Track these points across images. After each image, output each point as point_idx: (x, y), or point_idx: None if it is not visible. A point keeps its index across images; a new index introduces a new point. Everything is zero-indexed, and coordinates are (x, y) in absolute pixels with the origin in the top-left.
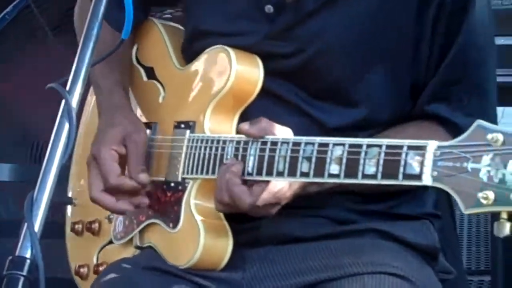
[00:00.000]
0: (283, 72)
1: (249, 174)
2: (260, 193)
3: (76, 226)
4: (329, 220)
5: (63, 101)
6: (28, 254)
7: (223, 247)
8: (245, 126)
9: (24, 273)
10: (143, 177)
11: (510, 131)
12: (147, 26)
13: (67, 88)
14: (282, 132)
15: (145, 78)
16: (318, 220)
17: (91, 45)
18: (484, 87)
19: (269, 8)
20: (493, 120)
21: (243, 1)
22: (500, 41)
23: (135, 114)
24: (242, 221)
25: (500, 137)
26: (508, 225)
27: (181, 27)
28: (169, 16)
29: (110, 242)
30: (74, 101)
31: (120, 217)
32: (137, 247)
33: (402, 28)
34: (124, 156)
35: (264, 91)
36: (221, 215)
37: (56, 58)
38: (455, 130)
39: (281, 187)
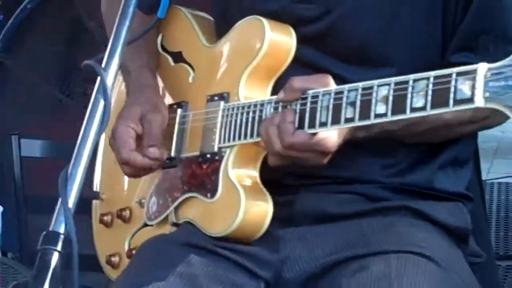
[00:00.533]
0: (311, 37)
1: None
2: (303, 138)
3: (105, 218)
4: (363, 197)
5: (99, 78)
6: (62, 230)
7: (264, 212)
8: (280, 95)
9: (58, 248)
10: (152, 150)
11: None
12: (173, 13)
13: (103, 65)
14: (321, 82)
15: (172, 63)
16: (352, 196)
17: (126, 23)
18: (509, 32)
19: None
20: None
21: None
22: None
23: (160, 96)
24: (275, 195)
25: None
26: None
27: (207, 15)
28: None
29: (143, 226)
30: (110, 79)
31: (154, 198)
32: (173, 224)
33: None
34: (141, 135)
35: (295, 58)
36: (259, 182)
37: None
38: None
39: (326, 135)
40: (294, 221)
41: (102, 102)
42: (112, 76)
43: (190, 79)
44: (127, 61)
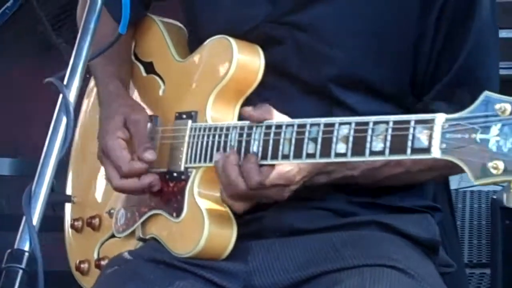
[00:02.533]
0: (280, 59)
1: None
2: (269, 173)
3: (76, 223)
4: (332, 213)
5: (61, 96)
6: (26, 247)
7: (227, 235)
8: (249, 108)
9: (23, 266)
10: (149, 154)
11: None
12: (146, 22)
13: (65, 82)
14: (282, 119)
15: (144, 74)
16: (321, 212)
17: (88, 39)
18: (486, 87)
19: None
20: None
21: None
22: (501, 34)
23: (132, 98)
24: (245, 213)
25: (508, 107)
26: None
27: (180, 24)
28: None
29: (111, 236)
30: (72, 96)
31: (122, 210)
32: (140, 239)
33: (403, 22)
34: (129, 139)
35: (262, 81)
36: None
37: None
38: None
39: (290, 168)
40: (263, 235)
41: (64, 119)
42: (74, 93)
43: (161, 92)
44: (97, 71)
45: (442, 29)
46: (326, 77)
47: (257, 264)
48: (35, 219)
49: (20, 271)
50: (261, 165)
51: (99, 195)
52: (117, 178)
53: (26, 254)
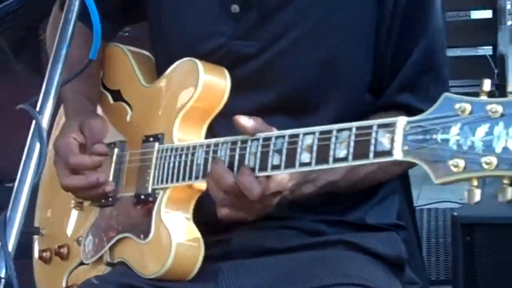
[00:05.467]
0: (246, 78)
1: None
2: (266, 183)
3: (44, 254)
4: (300, 232)
5: (34, 122)
6: (2, 274)
7: (195, 256)
8: (245, 119)
9: None
10: (99, 146)
11: (477, 100)
12: (113, 51)
13: (37, 108)
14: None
15: (111, 101)
16: (289, 231)
17: (60, 66)
18: (444, 73)
19: (235, 8)
20: None
21: (209, 3)
22: (456, 52)
23: (95, 112)
24: (212, 234)
25: (468, 107)
26: (478, 192)
27: (147, 53)
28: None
29: (80, 264)
30: (45, 122)
31: (90, 237)
32: (108, 264)
33: (364, 19)
34: (84, 144)
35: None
36: (192, 223)
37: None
38: None
39: (283, 176)
40: (231, 256)
41: (38, 145)
42: (47, 118)
43: (128, 118)
44: (65, 91)
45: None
46: (293, 88)
47: (227, 284)
48: (11, 246)
49: None
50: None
51: (67, 224)
52: (65, 176)
53: (2, 280)
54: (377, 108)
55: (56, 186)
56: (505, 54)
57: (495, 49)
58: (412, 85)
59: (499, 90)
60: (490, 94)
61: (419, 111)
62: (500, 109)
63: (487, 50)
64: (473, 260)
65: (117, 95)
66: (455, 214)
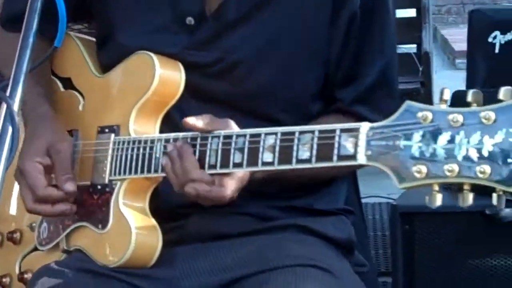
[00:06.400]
0: (202, 82)
1: None
2: (231, 184)
3: None
4: (253, 217)
5: (5, 106)
6: None
7: (153, 244)
8: (192, 119)
9: None
10: (69, 186)
11: (438, 108)
12: (64, 39)
13: (7, 93)
14: (226, 126)
15: (62, 89)
16: (243, 217)
17: (28, 52)
18: (395, 88)
19: (190, 20)
20: None
21: (165, 15)
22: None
23: (59, 124)
24: (167, 221)
25: (429, 115)
26: (439, 196)
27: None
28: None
29: (34, 250)
30: (16, 106)
31: (45, 223)
32: (64, 251)
33: (317, 37)
34: (50, 166)
35: (182, 97)
36: (149, 213)
37: None
38: None
39: (245, 173)
40: (187, 241)
41: (10, 129)
42: (17, 103)
43: (80, 107)
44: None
45: (352, 37)
46: (246, 95)
47: (183, 268)
48: None
49: None
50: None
51: (18, 209)
52: (31, 201)
53: None
54: (327, 111)
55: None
56: (429, 51)
57: (419, 47)
58: (366, 98)
59: (423, 88)
60: (416, 91)
61: (369, 121)
62: (460, 118)
63: (411, 48)
64: (412, 249)
65: (68, 83)
66: (394, 203)
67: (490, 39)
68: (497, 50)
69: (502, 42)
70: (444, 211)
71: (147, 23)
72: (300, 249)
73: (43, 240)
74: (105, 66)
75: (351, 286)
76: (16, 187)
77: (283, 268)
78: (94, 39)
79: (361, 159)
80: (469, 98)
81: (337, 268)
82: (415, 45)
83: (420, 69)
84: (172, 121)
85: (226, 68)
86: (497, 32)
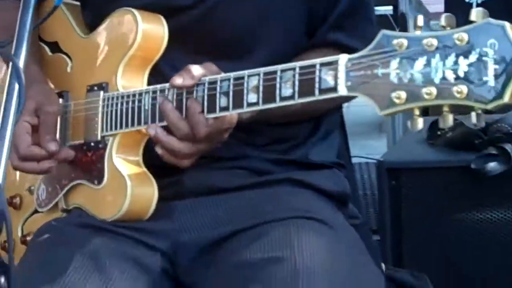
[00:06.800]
0: (184, 27)
1: None
2: (216, 123)
3: None
4: (248, 171)
5: (11, 64)
6: None
7: (149, 195)
8: (178, 80)
9: None
10: (52, 145)
11: (413, 35)
12: (47, 3)
13: (12, 51)
14: (209, 71)
15: (49, 53)
16: (238, 171)
17: (30, 10)
18: (371, 13)
19: None
20: None
21: None
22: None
23: (49, 86)
24: (162, 177)
25: (405, 42)
26: (420, 120)
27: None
28: None
29: (34, 212)
30: (21, 63)
31: (43, 185)
32: (64, 210)
33: None
34: (37, 127)
35: (168, 48)
36: (143, 166)
37: None
38: (353, 53)
39: (233, 116)
40: (184, 196)
41: (16, 86)
42: (22, 60)
43: (69, 69)
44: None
45: None
46: (231, 35)
47: (182, 222)
48: (0, 179)
49: None
50: None
51: (15, 175)
52: (16, 159)
53: None
54: (308, 47)
55: None
56: (405, 13)
57: (395, 8)
58: (342, 24)
59: None
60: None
61: (349, 48)
62: (435, 42)
63: (387, 10)
64: (399, 205)
65: (55, 47)
66: (381, 159)
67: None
68: None
69: (479, 1)
70: (430, 166)
71: None
72: (296, 202)
73: (42, 201)
74: (90, 23)
75: (347, 237)
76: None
77: (280, 221)
78: (77, 3)
79: (342, 90)
80: (443, 22)
81: (333, 220)
82: (391, 7)
83: (397, 30)
84: (160, 73)
85: (207, 9)
86: None
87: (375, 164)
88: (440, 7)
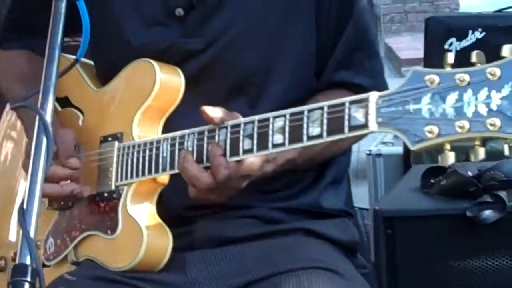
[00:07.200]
0: (195, 72)
1: None
2: (236, 166)
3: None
4: (258, 220)
5: (37, 117)
6: (28, 261)
7: (165, 244)
8: (210, 109)
9: (28, 279)
10: (73, 161)
11: (445, 71)
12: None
13: (39, 105)
14: (233, 117)
15: (59, 108)
16: (248, 220)
17: (55, 64)
18: (375, 47)
19: (179, 12)
20: (383, 76)
21: (155, 9)
22: None
23: (58, 120)
24: (174, 227)
25: (436, 78)
26: (452, 154)
27: (89, 61)
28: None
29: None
30: (48, 116)
31: (51, 239)
32: (74, 263)
33: (301, 7)
34: (55, 153)
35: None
36: (157, 215)
37: None
38: (362, 92)
39: (253, 159)
40: (195, 247)
41: (44, 140)
42: (50, 113)
43: (80, 122)
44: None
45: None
46: (242, 76)
47: (195, 274)
48: (32, 233)
49: (26, 284)
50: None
51: (18, 230)
52: None
53: (30, 267)
54: (316, 90)
55: (5, 196)
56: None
57: None
58: (347, 62)
59: None
60: None
61: (357, 86)
62: (467, 77)
63: None
64: (394, 253)
65: (65, 102)
66: (377, 208)
67: (446, 46)
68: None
69: (458, 48)
70: (426, 215)
71: (139, 21)
72: (308, 252)
73: (51, 255)
74: (104, 75)
75: (358, 287)
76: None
77: (293, 271)
78: (88, 60)
79: (373, 126)
80: (473, 58)
81: (344, 269)
82: None
83: None
84: (169, 119)
85: (218, 52)
86: (453, 39)
87: (363, 212)
88: (411, 53)
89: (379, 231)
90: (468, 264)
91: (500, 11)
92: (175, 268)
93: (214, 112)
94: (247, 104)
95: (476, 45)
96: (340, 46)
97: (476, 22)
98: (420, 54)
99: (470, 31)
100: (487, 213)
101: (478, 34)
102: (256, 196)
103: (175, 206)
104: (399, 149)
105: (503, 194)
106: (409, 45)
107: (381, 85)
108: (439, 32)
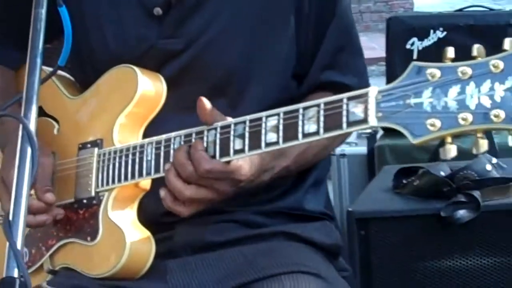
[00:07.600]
0: (176, 72)
1: None
2: (220, 164)
3: None
4: (239, 224)
5: (21, 127)
6: (15, 274)
7: (147, 250)
8: (208, 103)
9: None
10: (49, 196)
11: (446, 64)
12: None
13: (22, 114)
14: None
15: None
16: (229, 225)
17: (37, 72)
18: (358, 46)
19: (157, 11)
20: (367, 75)
21: (132, 10)
22: None
23: (39, 142)
24: (154, 232)
25: (437, 72)
26: (454, 147)
27: (63, 73)
28: None
29: None
30: (32, 125)
31: (25, 249)
32: (50, 272)
33: (281, 7)
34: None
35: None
36: (137, 221)
37: None
38: (347, 91)
39: (241, 164)
40: (176, 253)
41: (29, 149)
42: (33, 122)
43: (55, 131)
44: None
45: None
46: (222, 76)
47: (175, 282)
48: (19, 245)
49: None
50: None
51: None
52: None
53: (17, 280)
54: (302, 93)
55: None
56: None
57: None
58: (332, 62)
59: None
60: None
61: (344, 85)
62: (469, 70)
63: None
64: (369, 254)
65: (39, 112)
66: (350, 209)
67: (408, 46)
68: (415, 56)
69: (420, 48)
70: (400, 215)
71: (118, 23)
72: (290, 256)
73: (25, 264)
74: (83, 81)
75: None
76: None
77: (276, 276)
78: (62, 72)
79: (372, 121)
80: (474, 52)
81: (327, 273)
82: None
83: None
84: (152, 129)
85: (197, 52)
86: (414, 39)
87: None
88: (367, 53)
89: (352, 232)
90: (442, 264)
91: (460, 10)
92: (156, 276)
93: (210, 108)
94: (228, 104)
95: (437, 44)
96: (325, 46)
97: (437, 21)
98: (377, 53)
99: (432, 31)
100: (461, 212)
101: (440, 34)
102: (236, 200)
103: (154, 211)
104: (363, 149)
105: (476, 193)
106: (365, 45)
107: (365, 85)
108: (400, 32)
